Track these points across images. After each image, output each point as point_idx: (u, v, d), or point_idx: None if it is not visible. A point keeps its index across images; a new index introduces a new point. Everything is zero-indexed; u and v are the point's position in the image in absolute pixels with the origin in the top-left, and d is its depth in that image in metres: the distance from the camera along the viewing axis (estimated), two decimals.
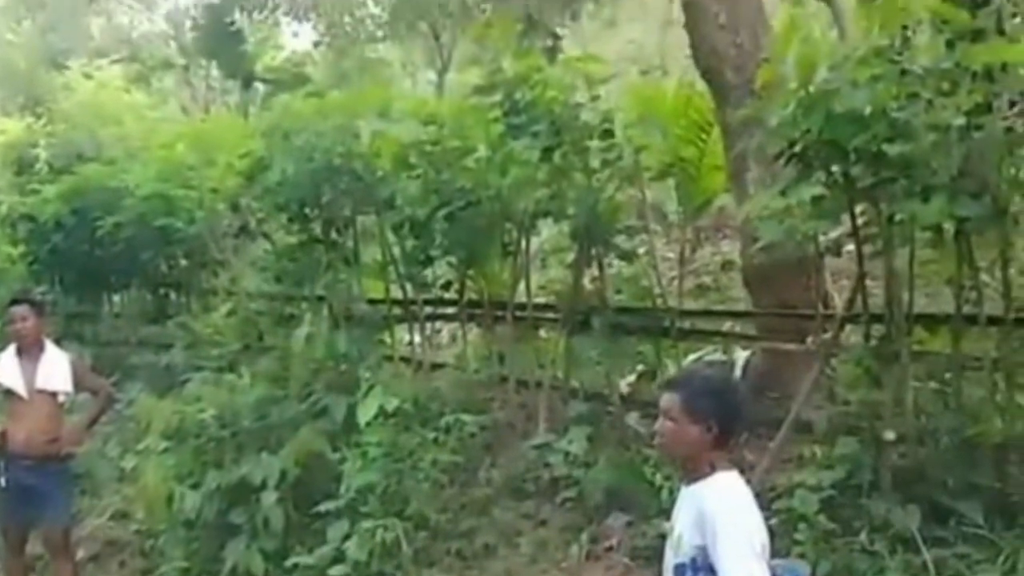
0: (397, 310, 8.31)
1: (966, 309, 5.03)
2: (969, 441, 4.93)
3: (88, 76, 13.49)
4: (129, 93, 13.38)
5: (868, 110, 4.55)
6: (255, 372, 7.58)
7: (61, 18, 25.44)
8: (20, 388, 6.53)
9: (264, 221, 9.10)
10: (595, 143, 6.62)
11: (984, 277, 5.08)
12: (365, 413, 6.54)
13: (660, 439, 3.27)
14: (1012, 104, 4.94)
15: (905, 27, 4.79)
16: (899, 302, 5.13)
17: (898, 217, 4.84)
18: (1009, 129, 4.67)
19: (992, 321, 4.97)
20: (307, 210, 8.29)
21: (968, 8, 4.60)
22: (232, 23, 16.22)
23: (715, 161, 7.03)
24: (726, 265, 9.73)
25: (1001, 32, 4.63)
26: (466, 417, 6.80)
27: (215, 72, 17.58)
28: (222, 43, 16.03)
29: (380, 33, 16.87)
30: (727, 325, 7.50)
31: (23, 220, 11.18)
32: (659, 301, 6.86)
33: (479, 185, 7.11)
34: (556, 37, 14.64)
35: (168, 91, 19.40)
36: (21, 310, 6.64)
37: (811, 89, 4.71)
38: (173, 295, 10.99)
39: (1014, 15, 5.79)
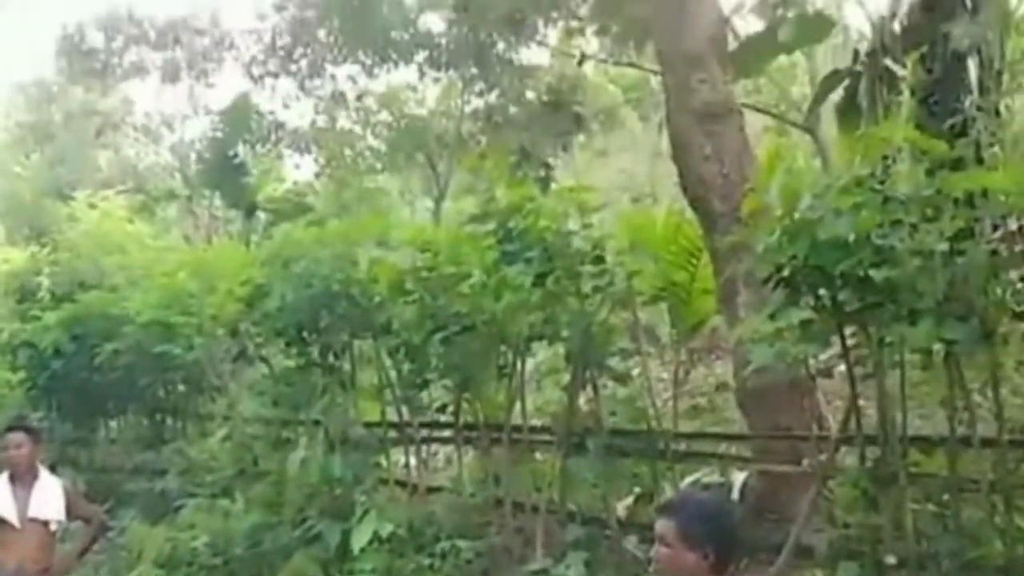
0: (393, 433, 8.24)
1: (960, 431, 4.99)
2: (970, 564, 4.82)
3: (93, 206, 13.69)
4: (133, 223, 13.55)
5: (852, 237, 4.61)
6: (249, 497, 7.45)
7: (69, 151, 26.00)
8: (12, 517, 6.38)
9: (263, 346, 9.11)
10: (587, 269, 6.68)
11: (977, 398, 5.06)
12: (359, 539, 6.41)
13: (656, 566, 3.18)
14: (995, 227, 5.02)
15: (885, 157, 4.90)
16: (893, 424, 5.09)
17: (887, 340, 4.85)
18: (994, 252, 4.73)
19: (986, 443, 4.93)
20: (305, 335, 8.32)
21: (946, 138, 4.73)
22: (236, 156, 16.61)
23: (706, 285, 7.10)
24: (720, 386, 9.69)
25: (980, 160, 4.74)
26: (462, 543, 6.65)
27: (218, 202, 17.90)
28: (226, 175, 16.37)
29: (379, 164, 17.26)
30: (723, 447, 7.42)
31: (23, 347, 11.18)
32: (654, 423, 6.80)
33: (474, 309, 7.15)
34: (549, 167, 14.97)
35: (172, 221, 19.69)
36: (16, 437, 6.54)
37: (796, 217, 4.79)
38: (169, 420, 10.90)
39: (991, 144, 5.97)
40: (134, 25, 19.54)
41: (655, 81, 14.63)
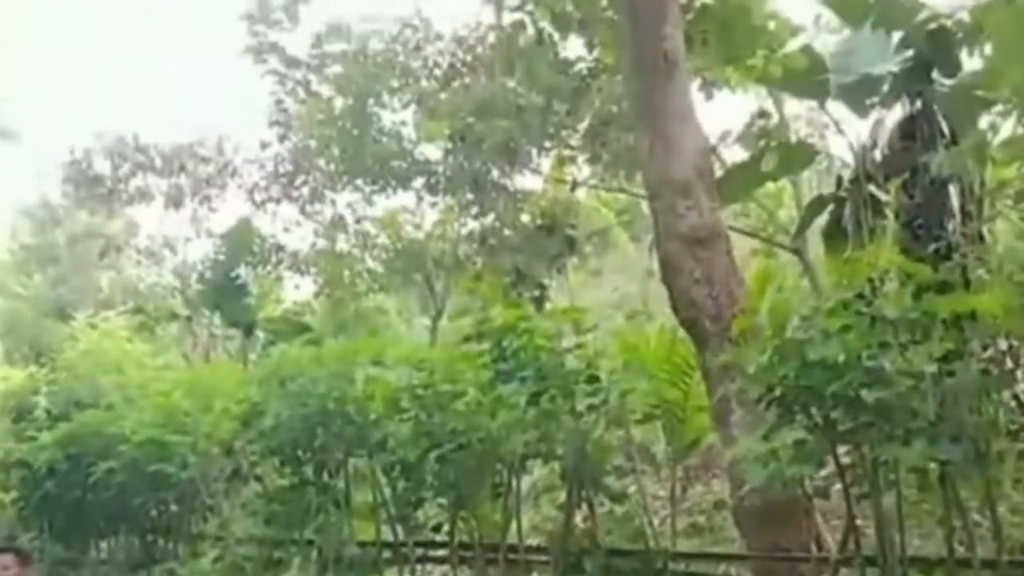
0: (388, 553, 8.06)
1: (960, 551, 4.90)
2: None
3: (93, 326, 13.76)
4: (132, 342, 13.59)
5: (842, 358, 4.63)
6: None
7: (72, 272, 26.22)
8: None
9: (257, 465, 9.00)
10: (582, 387, 6.69)
11: (975, 516, 4.99)
12: None
13: None
14: (985, 347, 5.04)
15: (872, 279, 4.96)
16: (892, 544, 5.00)
17: (882, 459, 4.81)
18: (985, 372, 4.74)
19: (986, 564, 4.83)
20: (300, 453, 8.25)
21: (931, 262, 4.80)
22: (237, 277, 16.74)
23: (700, 403, 7.08)
24: (719, 504, 9.53)
25: (966, 283, 4.81)
26: None
27: (218, 322, 17.95)
28: (226, 295, 16.48)
29: (377, 285, 17.40)
30: (722, 567, 7.27)
31: (17, 466, 11.03)
32: (652, 542, 6.68)
33: (469, 428, 7.10)
34: (543, 287, 15.11)
35: (171, 340, 19.67)
36: (5, 559, 6.42)
37: (785, 338, 4.82)
38: (161, 541, 10.64)
39: (977, 267, 6.04)
40: (140, 152, 19.91)
41: (645, 205, 14.93)
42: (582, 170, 15.17)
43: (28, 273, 27.43)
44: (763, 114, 12.19)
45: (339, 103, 15.09)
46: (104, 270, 24.84)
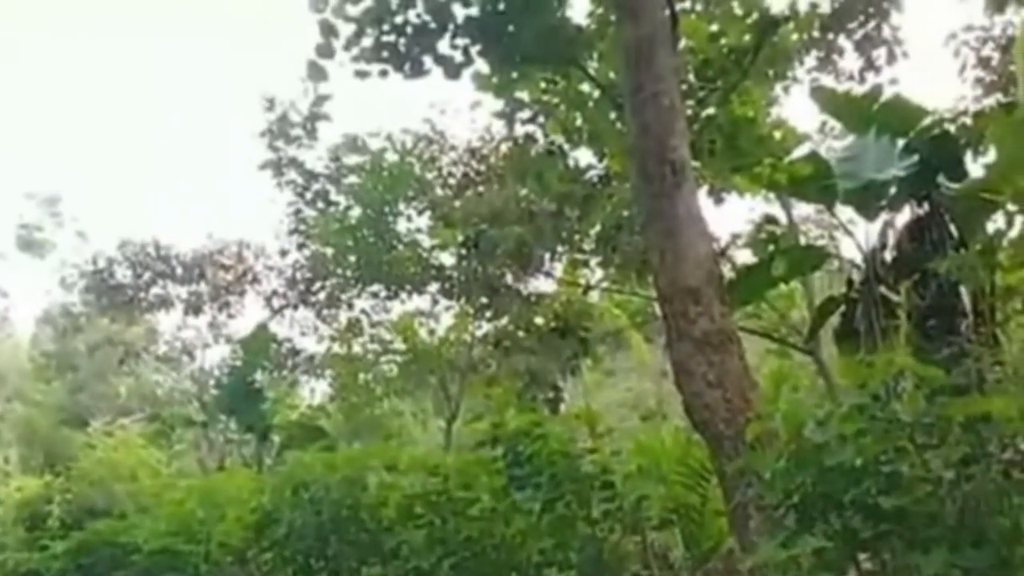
0: None
1: None
2: None
3: (109, 434, 13.74)
4: (147, 449, 13.53)
5: (859, 463, 4.55)
6: None
7: (90, 379, 26.32)
8: None
9: (270, 574, 8.83)
10: (597, 493, 6.58)
11: None
12: None
13: None
14: (1004, 448, 4.94)
15: (886, 382, 4.91)
16: None
17: (904, 567, 4.67)
18: (1005, 474, 4.63)
19: None
20: (312, 562, 8.09)
21: (943, 364, 4.76)
22: (253, 382, 16.77)
23: (718, 507, 6.93)
24: None
25: (981, 385, 4.75)
26: None
27: (233, 427, 17.89)
28: (242, 401, 16.48)
29: (392, 389, 17.39)
30: None
31: None
32: None
33: (484, 535, 6.99)
34: (557, 389, 15.05)
35: (187, 445, 19.59)
36: None
37: (801, 443, 4.74)
38: None
39: (991, 369, 5.97)
40: (162, 261, 20.22)
41: (658, 307, 14.98)
42: (595, 273, 15.27)
43: (47, 380, 27.51)
44: (770, 219, 12.29)
45: (356, 212, 15.34)
46: (123, 377, 24.94)
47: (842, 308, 9.90)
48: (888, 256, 9.41)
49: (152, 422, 18.49)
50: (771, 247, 11.11)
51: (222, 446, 18.53)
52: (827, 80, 11.33)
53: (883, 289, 9.10)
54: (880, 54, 11.46)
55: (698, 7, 9.17)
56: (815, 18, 10.85)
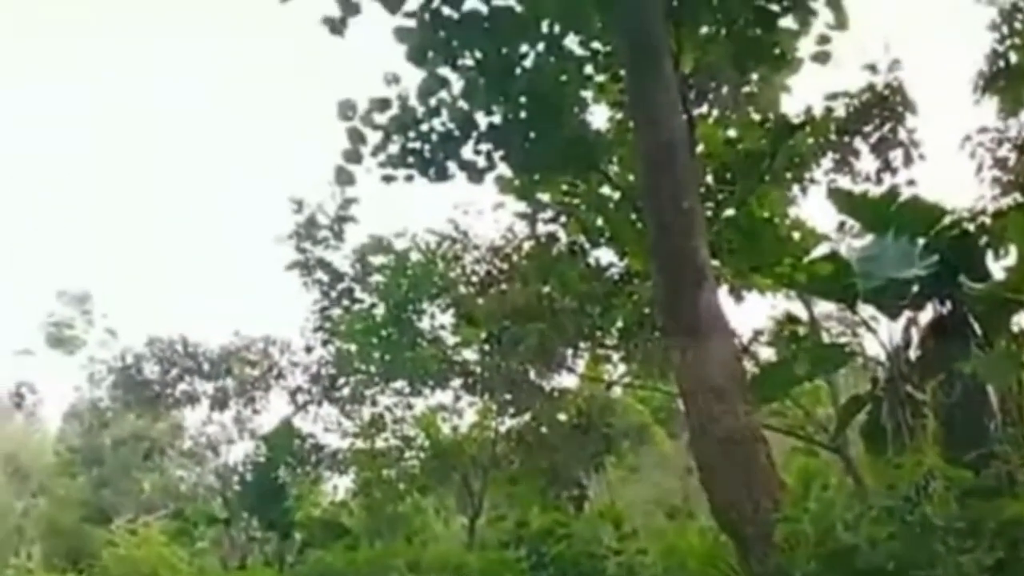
0: None
1: None
2: None
3: (132, 532, 13.62)
4: (169, 547, 13.38)
5: (891, 567, 4.46)
6: None
7: (115, 474, 26.18)
8: None
9: None
10: None
11: None
12: None
13: None
14: None
15: (916, 483, 4.84)
16: None
17: None
18: None
19: None
20: None
21: (972, 464, 4.68)
22: (276, 478, 16.69)
23: None
24: None
25: (1012, 486, 4.67)
26: None
27: (255, 524, 17.71)
28: (265, 497, 16.38)
29: (415, 484, 17.21)
30: None
31: None
32: None
33: None
34: (582, 487, 14.84)
35: (210, 541, 19.36)
36: None
37: (831, 546, 4.66)
38: None
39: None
40: (189, 357, 20.36)
41: (680, 403, 14.90)
42: (617, 368, 15.21)
43: (72, 475, 27.40)
44: (792, 318, 12.25)
45: (380, 310, 15.45)
46: (147, 472, 24.82)
47: (868, 406, 9.82)
48: (912, 355, 9.36)
49: (175, 519, 18.34)
50: (793, 345, 11.06)
51: (244, 544, 18.30)
52: (844, 182, 11.41)
53: (909, 388, 9.03)
54: (896, 156, 11.56)
55: (715, 112, 9.34)
56: (831, 121, 11.00)
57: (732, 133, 9.50)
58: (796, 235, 9.49)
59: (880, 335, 9.73)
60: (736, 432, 6.73)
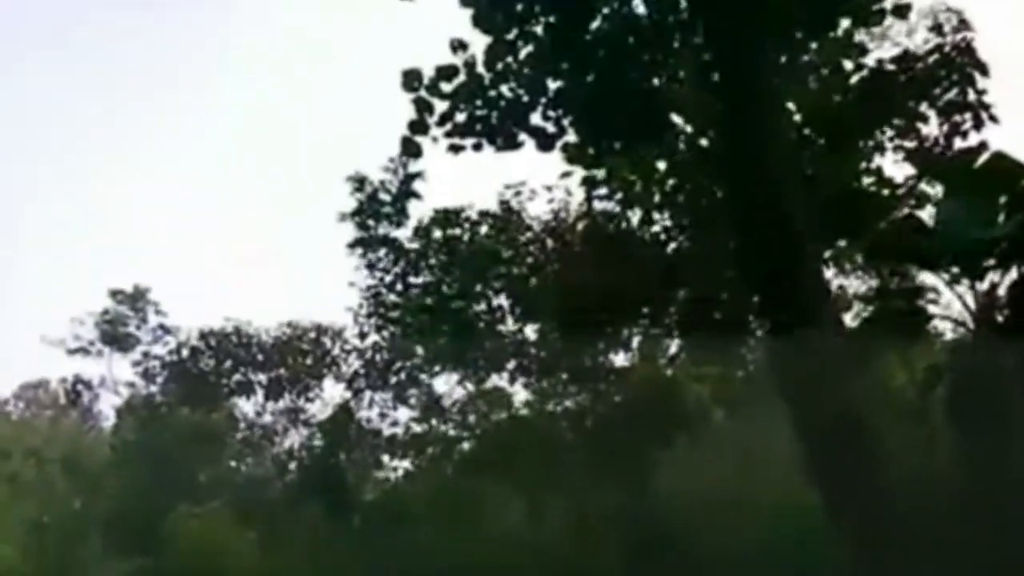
0: None
1: None
2: None
3: (194, 518, 13.42)
4: (233, 532, 13.18)
5: None
6: None
7: (171, 466, 26.14)
8: None
9: None
10: None
11: None
12: None
13: None
14: None
15: None
16: None
17: None
18: None
19: None
20: None
21: None
22: (335, 464, 16.51)
23: None
24: None
25: None
26: None
27: (315, 509, 17.52)
28: (323, 483, 16.21)
29: (472, 468, 16.89)
30: None
31: None
32: None
33: None
34: (644, 465, 14.40)
35: (271, 526, 19.21)
36: None
37: None
38: None
39: None
40: (243, 348, 20.25)
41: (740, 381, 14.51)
42: (675, 347, 14.81)
43: (129, 469, 27.42)
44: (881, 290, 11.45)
45: (435, 293, 15.15)
46: (204, 463, 24.75)
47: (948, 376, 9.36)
48: (999, 317, 8.90)
49: (233, 507, 18.19)
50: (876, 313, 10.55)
51: (305, 528, 18.10)
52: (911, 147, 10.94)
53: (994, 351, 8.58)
54: (966, 119, 11.06)
55: (795, 75, 8.89)
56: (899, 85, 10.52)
57: (813, 94, 9.05)
58: (880, 193, 9.03)
59: (964, 298, 9.26)
60: (842, 417, 6.34)
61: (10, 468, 24.76)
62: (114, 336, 29.16)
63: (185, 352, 20.97)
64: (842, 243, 9.53)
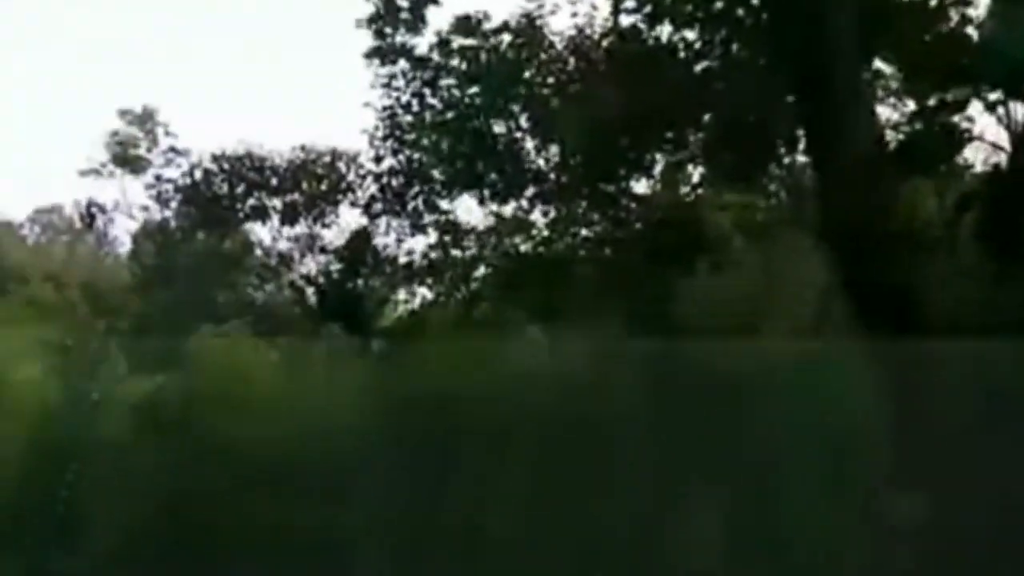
0: None
1: None
2: None
3: (218, 337, 13.67)
4: (256, 351, 13.45)
5: None
6: None
7: (189, 291, 26.54)
8: None
9: None
10: None
11: None
12: None
13: None
14: None
15: None
16: None
17: None
18: None
19: None
20: None
21: None
22: (354, 288, 16.64)
23: None
24: None
25: None
26: None
27: (335, 331, 17.83)
28: (343, 307, 16.41)
29: (489, 295, 17.04)
30: None
31: None
32: None
33: None
34: (663, 293, 14.46)
35: (294, 346, 19.62)
36: None
37: None
38: None
39: None
40: (256, 172, 20.06)
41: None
42: (700, 174, 14.56)
43: (148, 293, 27.85)
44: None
45: (451, 114, 14.80)
46: (221, 288, 25.08)
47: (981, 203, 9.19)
48: None
49: (254, 329, 18.54)
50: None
51: (327, 347, 18.49)
52: None
53: None
54: None
55: None
56: None
57: None
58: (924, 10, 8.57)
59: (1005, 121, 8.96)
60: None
61: (29, 292, 25.18)
62: (125, 158, 28.98)
63: (198, 175, 20.78)
64: (880, 65, 9.11)
